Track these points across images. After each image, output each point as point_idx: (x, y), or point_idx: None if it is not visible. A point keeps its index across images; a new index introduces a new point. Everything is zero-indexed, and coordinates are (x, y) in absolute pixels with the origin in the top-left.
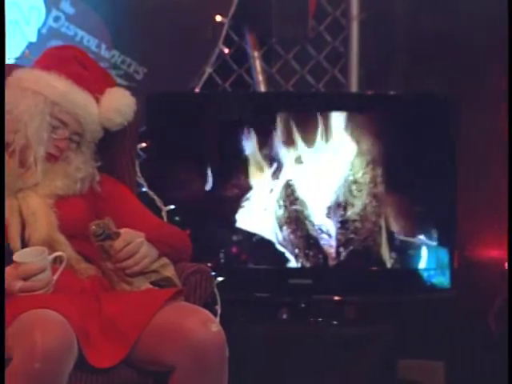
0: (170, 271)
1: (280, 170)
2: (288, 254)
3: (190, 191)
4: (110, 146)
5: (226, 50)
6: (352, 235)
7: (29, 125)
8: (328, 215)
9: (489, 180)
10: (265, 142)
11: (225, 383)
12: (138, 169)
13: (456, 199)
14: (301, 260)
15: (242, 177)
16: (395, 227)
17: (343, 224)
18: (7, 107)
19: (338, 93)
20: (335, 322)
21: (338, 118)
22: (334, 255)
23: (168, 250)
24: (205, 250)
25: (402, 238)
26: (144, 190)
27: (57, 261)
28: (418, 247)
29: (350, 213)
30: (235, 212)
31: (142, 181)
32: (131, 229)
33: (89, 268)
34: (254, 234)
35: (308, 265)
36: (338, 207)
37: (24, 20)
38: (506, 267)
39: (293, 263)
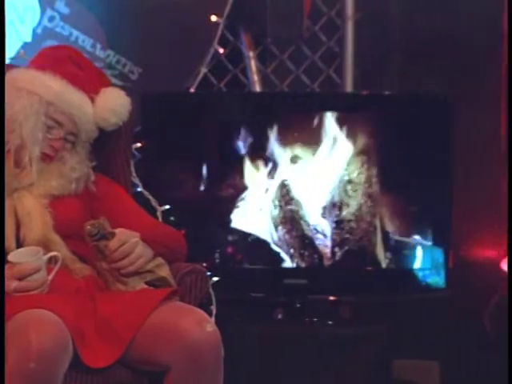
0: (165, 271)
1: (275, 170)
2: (283, 254)
3: (185, 191)
4: (105, 146)
5: (221, 50)
6: (347, 235)
7: (24, 125)
8: (323, 215)
9: (484, 180)
10: (260, 142)
11: (220, 383)
12: (132, 169)
13: (451, 199)
14: (296, 260)
15: (238, 177)
16: (390, 227)
17: (338, 224)
18: None
19: (333, 93)
20: (330, 322)
21: (332, 118)
22: (329, 255)
23: (163, 250)
24: (200, 250)
25: (397, 237)
26: (139, 189)
27: (52, 261)
28: (413, 247)
29: (345, 213)
30: (230, 212)
31: (137, 181)
32: (126, 229)
33: (84, 268)
34: (249, 234)
35: (303, 265)
36: (333, 207)
37: (19, 20)
38: (501, 267)
39: (288, 263)
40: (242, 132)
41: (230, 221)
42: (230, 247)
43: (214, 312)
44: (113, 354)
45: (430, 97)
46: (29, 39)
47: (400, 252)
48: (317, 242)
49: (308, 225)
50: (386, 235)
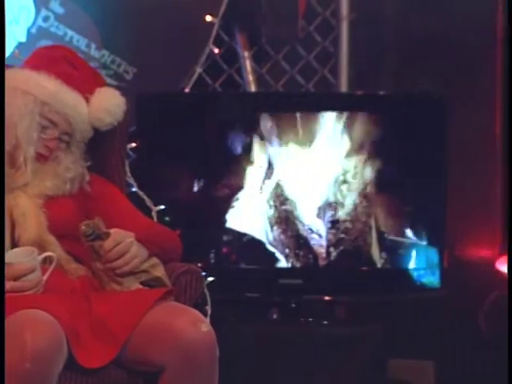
0: (160, 271)
1: (270, 170)
2: (278, 254)
3: (180, 191)
4: (99, 146)
5: (216, 50)
6: (342, 235)
7: (18, 125)
8: (318, 215)
9: (479, 180)
10: (254, 142)
11: (215, 383)
12: (127, 169)
13: (446, 199)
14: (291, 260)
15: (232, 177)
16: (385, 227)
17: (333, 224)
18: None
19: (327, 93)
20: (325, 322)
21: (327, 118)
22: (324, 255)
23: (158, 250)
24: (195, 250)
25: (392, 237)
26: (134, 189)
27: (47, 261)
28: (408, 247)
29: (340, 213)
30: (225, 212)
31: (131, 181)
32: (121, 229)
33: (79, 268)
34: (244, 234)
35: (298, 265)
36: (329, 207)
37: (13, 20)
38: (496, 266)
39: (283, 263)
40: (237, 132)
41: (224, 221)
42: (225, 247)
43: (209, 312)
44: (108, 354)
45: (424, 97)
46: (23, 39)
47: (395, 252)
48: (312, 242)
49: (303, 225)
50: (381, 235)
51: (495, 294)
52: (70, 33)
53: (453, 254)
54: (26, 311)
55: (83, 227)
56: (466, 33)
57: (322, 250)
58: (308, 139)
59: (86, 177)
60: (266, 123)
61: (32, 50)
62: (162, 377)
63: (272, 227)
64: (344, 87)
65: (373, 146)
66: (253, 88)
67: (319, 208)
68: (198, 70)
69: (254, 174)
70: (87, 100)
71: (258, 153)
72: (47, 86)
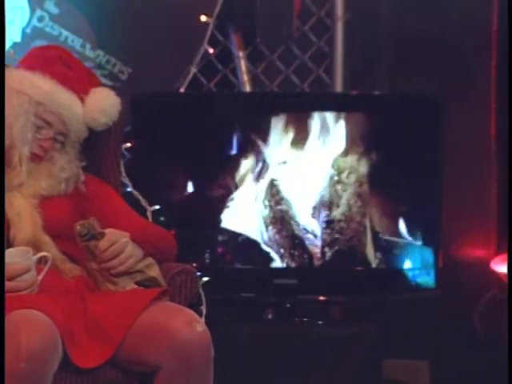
0: (155, 271)
1: (265, 170)
2: (273, 254)
3: (175, 191)
4: (94, 146)
5: (211, 50)
6: (337, 235)
7: (13, 125)
8: (313, 215)
9: (474, 180)
10: (250, 142)
11: (210, 383)
12: (122, 169)
13: (441, 199)
14: (286, 260)
15: (228, 177)
16: (380, 227)
17: (328, 224)
18: None
19: (322, 93)
20: (320, 322)
21: (322, 118)
22: (319, 255)
23: (153, 250)
24: (190, 250)
25: (386, 237)
26: (129, 189)
27: (41, 261)
28: (402, 247)
29: (335, 213)
30: (220, 212)
31: (126, 181)
32: (116, 229)
33: (74, 268)
34: (239, 234)
35: (293, 265)
36: (323, 207)
37: (8, 20)
38: (491, 266)
39: (278, 263)
40: (232, 132)
41: (220, 221)
42: (220, 247)
43: (204, 312)
44: (103, 354)
45: (419, 97)
46: (18, 39)
47: (390, 252)
48: (307, 242)
49: (298, 225)
50: (375, 235)
51: (490, 294)
52: (65, 33)
53: (448, 254)
54: (21, 311)
55: (78, 227)
56: (461, 33)
57: (317, 250)
58: (303, 139)
59: (80, 177)
60: (262, 123)
61: (27, 50)
62: (157, 377)
63: (267, 227)
64: (339, 87)
65: (368, 145)
66: (248, 88)
67: (314, 208)
68: (193, 70)
69: (248, 174)
70: (82, 100)
71: (253, 153)
72: (42, 86)
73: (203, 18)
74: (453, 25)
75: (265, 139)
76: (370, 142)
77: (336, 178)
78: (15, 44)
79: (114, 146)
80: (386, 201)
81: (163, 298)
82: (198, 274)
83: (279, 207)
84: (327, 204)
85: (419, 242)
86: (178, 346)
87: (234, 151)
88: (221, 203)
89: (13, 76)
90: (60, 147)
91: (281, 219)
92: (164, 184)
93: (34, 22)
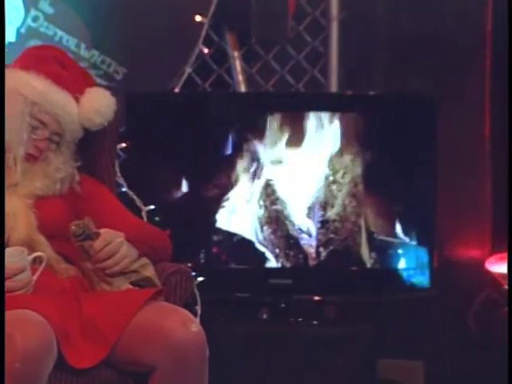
0: (150, 271)
1: (260, 170)
2: (268, 254)
3: (170, 191)
4: (89, 146)
5: (206, 50)
6: (332, 235)
7: (9, 125)
8: (308, 215)
9: (469, 180)
10: (245, 142)
11: (205, 383)
12: (117, 169)
13: (436, 199)
14: (281, 260)
15: (222, 177)
16: (375, 227)
17: (323, 224)
18: None
19: (317, 93)
20: (315, 322)
21: (317, 118)
22: (314, 255)
23: (148, 250)
24: (185, 250)
25: (381, 237)
26: (124, 190)
27: (36, 261)
28: (397, 247)
29: (330, 213)
30: (215, 212)
31: (121, 181)
32: (111, 229)
33: (69, 268)
34: (234, 234)
35: (288, 265)
36: (318, 207)
37: None
38: (486, 266)
39: (273, 263)
40: (227, 132)
41: (215, 221)
42: (215, 247)
43: (199, 312)
44: (98, 354)
45: (415, 96)
46: (13, 39)
47: (385, 252)
48: (302, 242)
49: (293, 225)
50: (370, 235)
51: (484, 294)
52: (60, 33)
53: (442, 254)
54: (15, 311)
55: (73, 227)
56: (456, 33)
57: (312, 250)
58: (298, 139)
59: (76, 177)
60: (257, 123)
61: (21, 50)
62: (153, 377)
63: (262, 227)
64: (334, 87)
65: (363, 145)
66: (242, 88)
67: (309, 208)
68: (188, 70)
69: (243, 174)
70: (77, 100)
71: (248, 153)
72: (37, 85)
73: (198, 18)
74: (448, 25)
75: (260, 139)
76: (365, 142)
77: (331, 178)
78: (10, 44)
79: (109, 146)
80: (380, 201)
81: (158, 298)
82: (193, 273)
83: (274, 207)
84: (322, 204)
85: (414, 242)
86: (172, 346)
87: (228, 151)
88: (216, 203)
89: (8, 76)
90: (55, 147)
91: (276, 219)
92: (159, 184)
93: (29, 21)
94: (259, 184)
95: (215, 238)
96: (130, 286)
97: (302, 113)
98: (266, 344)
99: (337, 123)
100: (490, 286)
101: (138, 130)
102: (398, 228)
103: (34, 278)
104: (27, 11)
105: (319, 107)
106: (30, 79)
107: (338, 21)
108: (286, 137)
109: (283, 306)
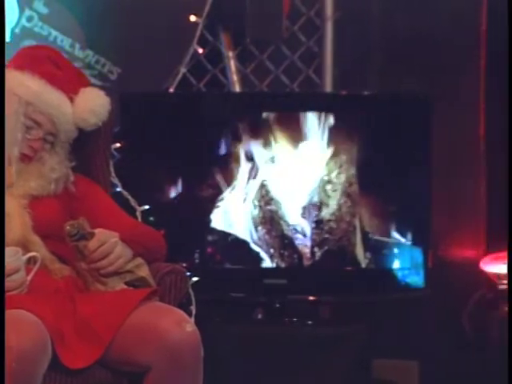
0: (144, 271)
1: (255, 170)
2: (263, 254)
3: (165, 191)
4: (84, 146)
5: (201, 50)
6: (327, 235)
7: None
8: (303, 215)
9: (463, 180)
10: (239, 142)
11: (200, 383)
12: (112, 169)
13: (430, 199)
14: (276, 260)
15: (217, 177)
16: (370, 227)
17: (318, 224)
18: None
19: (312, 93)
20: (310, 322)
21: (312, 118)
22: (308, 255)
23: (142, 250)
24: (179, 250)
25: (376, 237)
26: (118, 190)
27: (31, 261)
28: (392, 247)
29: (324, 213)
30: (210, 212)
31: (116, 181)
32: (105, 229)
33: (63, 268)
34: (228, 234)
35: (283, 265)
36: (313, 207)
37: None
38: (480, 267)
39: (268, 263)
40: (222, 132)
41: (209, 221)
42: (209, 247)
43: (194, 312)
44: (92, 354)
45: (410, 96)
46: (7, 39)
47: (379, 252)
48: (296, 242)
49: (288, 225)
50: (365, 235)
51: (479, 294)
52: (54, 33)
53: (437, 254)
54: (10, 311)
55: (68, 227)
56: (451, 32)
57: (307, 250)
58: (292, 139)
59: (70, 177)
60: (251, 123)
61: (16, 50)
62: (147, 377)
63: (257, 227)
64: (329, 87)
65: (357, 145)
66: (237, 88)
67: (304, 208)
68: (183, 70)
69: (238, 174)
70: (71, 100)
71: (243, 153)
72: (31, 85)
73: (192, 18)
74: (443, 25)
75: (255, 139)
76: (360, 142)
77: (326, 178)
78: None
79: (104, 146)
80: (375, 201)
81: (153, 298)
82: (188, 273)
83: (269, 207)
84: (317, 204)
85: (409, 242)
86: (167, 346)
87: (223, 151)
88: (210, 203)
89: None
90: (50, 147)
91: (270, 219)
92: (153, 184)
93: (23, 21)
94: (254, 184)
95: (210, 238)
96: (125, 286)
97: (296, 113)
98: (261, 344)
99: (331, 123)
100: (485, 286)
101: (133, 130)
102: (393, 228)
103: (29, 278)
104: (21, 11)
105: (314, 107)
106: (24, 79)
107: (332, 21)
108: (280, 137)
109: (278, 306)
